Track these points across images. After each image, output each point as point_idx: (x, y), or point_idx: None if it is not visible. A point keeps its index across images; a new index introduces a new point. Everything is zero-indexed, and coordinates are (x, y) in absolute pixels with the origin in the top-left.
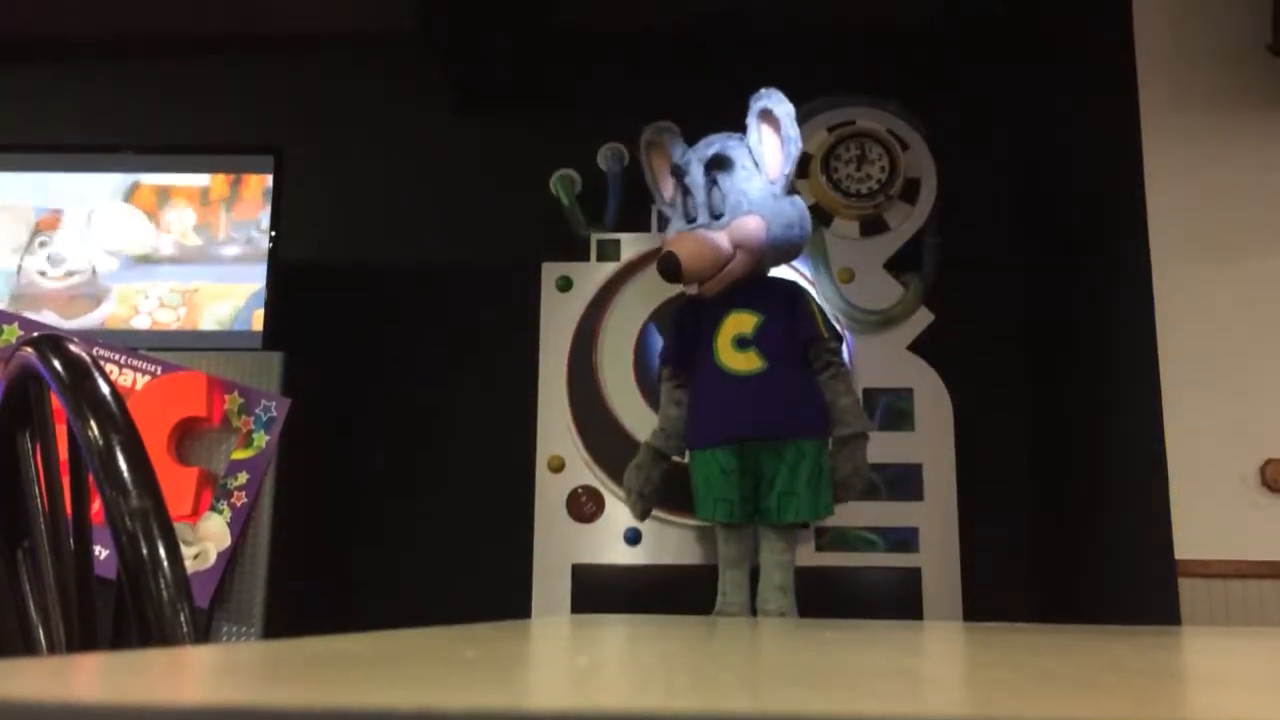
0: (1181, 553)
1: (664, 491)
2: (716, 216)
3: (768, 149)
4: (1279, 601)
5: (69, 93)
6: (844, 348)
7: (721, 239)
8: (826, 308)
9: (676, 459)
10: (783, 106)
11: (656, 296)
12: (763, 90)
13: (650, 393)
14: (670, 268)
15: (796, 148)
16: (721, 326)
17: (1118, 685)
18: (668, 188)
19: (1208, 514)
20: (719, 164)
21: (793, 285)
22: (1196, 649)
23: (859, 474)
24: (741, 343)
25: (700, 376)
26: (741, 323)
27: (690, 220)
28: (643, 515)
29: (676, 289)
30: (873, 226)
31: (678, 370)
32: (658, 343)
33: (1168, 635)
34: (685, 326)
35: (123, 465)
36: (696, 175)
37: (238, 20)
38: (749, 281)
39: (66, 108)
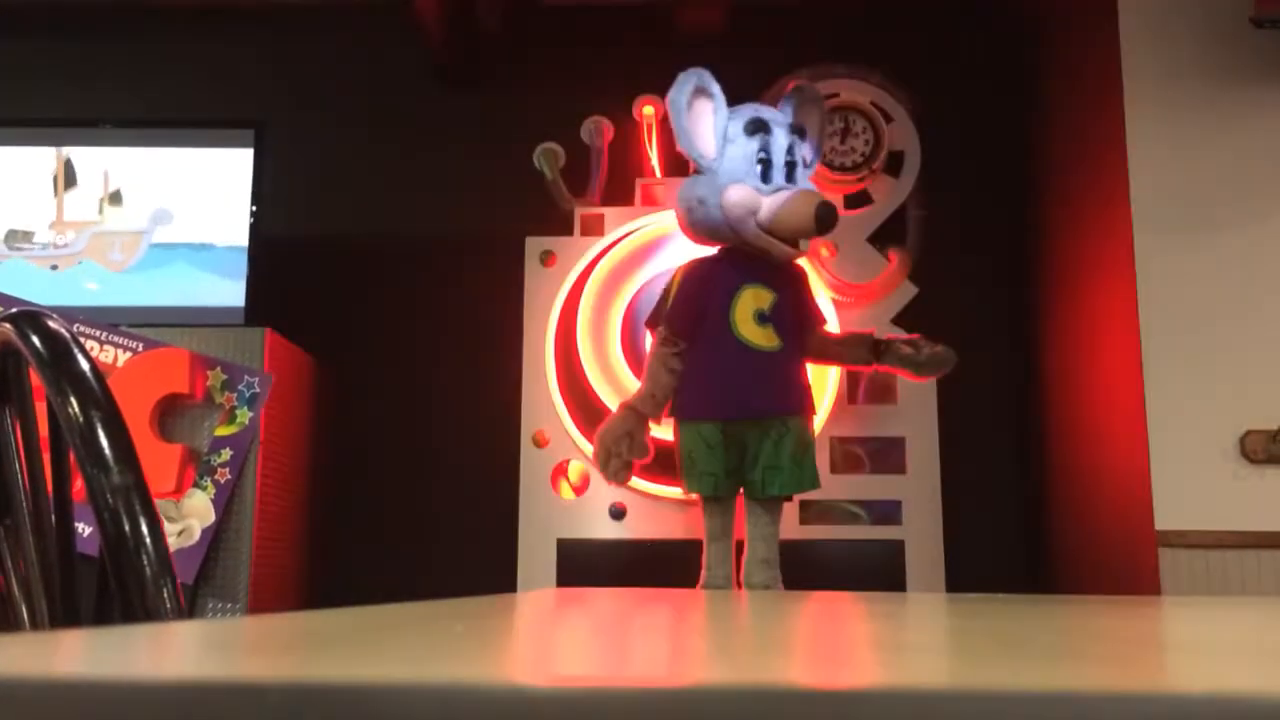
0: (1161, 523)
1: (648, 465)
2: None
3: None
4: (1257, 571)
5: (46, 65)
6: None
7: None
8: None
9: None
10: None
11: (640, 270)
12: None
13: (636, 367)
14: (834, 216)
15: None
16: (739, 299)
17: (1099, 654)
18: (709, 140)
19: (1188, 485)
20: (801, 133)
21: (799, 267)
22: (1176, 618)
23: (924, 358)
24: (761, 318)
25: (712, 347)
26: (759, 298)
27: (766, 182)
28: (624, 480)
29: (662, 266)
30: (857, 200)
31: (681, 337)
32: (643, 316)
33: (1148, 605)
34: (698, 292)
35: (103, 442)
36: (781, 138)
37: None
38: (760, 258)
39: (45, 80)
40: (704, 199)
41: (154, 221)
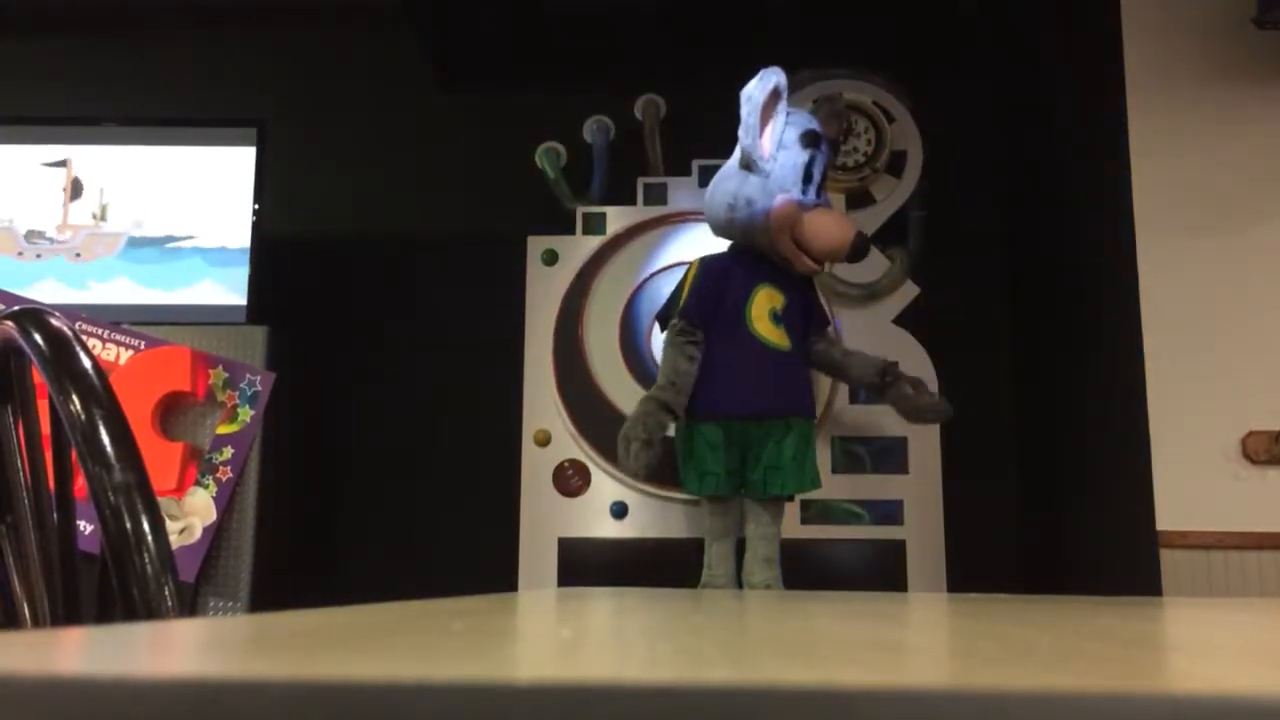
0: (1163, 524)
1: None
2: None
3: None
4: (1258, 572)
5: (50, 64)
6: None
7: None
8: None
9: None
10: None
11: (643, 269)
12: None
13: (637, 366)
14: (866, 249)
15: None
16: (754, 297)
17: (1100, 655)
18: (770, 142)
19: (1189, 486)
20: (834, 147)
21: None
22: (1177, 619)
23: (924, 404)
24: (776, 318)
25: (727, 344)
26: (773, 298)
27: (804, 194)
28: (647, 467)
29: (661, 263)
30: (859, 200)
31: (697, 328)
32: (644, 316)
33: (1149, 605)
34: (717, 285)
35: (105, 440)
36: (824, 153)
37: None
38: (771, 259)
39: (49, 79)
40: (752, 201)
41: (134, 225)
